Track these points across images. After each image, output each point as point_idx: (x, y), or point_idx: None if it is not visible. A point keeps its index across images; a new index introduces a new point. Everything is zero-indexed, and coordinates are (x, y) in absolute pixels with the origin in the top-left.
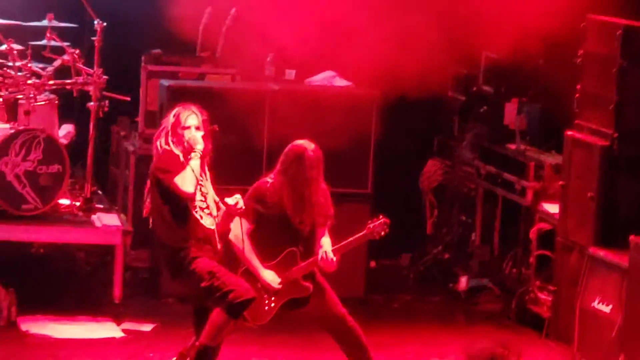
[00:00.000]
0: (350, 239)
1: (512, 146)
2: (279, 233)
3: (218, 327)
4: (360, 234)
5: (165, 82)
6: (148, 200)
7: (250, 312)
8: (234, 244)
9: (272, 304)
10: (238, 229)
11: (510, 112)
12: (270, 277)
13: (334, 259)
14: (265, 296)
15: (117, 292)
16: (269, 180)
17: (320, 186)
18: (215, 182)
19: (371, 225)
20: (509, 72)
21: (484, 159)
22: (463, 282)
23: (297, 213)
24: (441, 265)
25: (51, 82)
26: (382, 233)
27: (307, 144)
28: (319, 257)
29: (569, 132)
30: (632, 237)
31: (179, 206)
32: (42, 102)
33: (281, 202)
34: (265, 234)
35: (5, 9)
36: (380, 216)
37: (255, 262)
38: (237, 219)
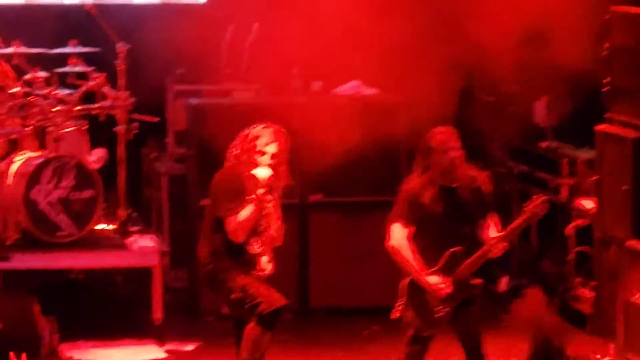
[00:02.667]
0: (513, 224)
1: (544, 144)
2: (438, 234)
3: (254, 341)
4: (522, 217)
5: (192, 101)
6: None
7: (422, 322)
8: (394, 253)
9: (443, 310)
10: (398, 235)
11: (540, 110)
12: (435, 281)
13: (506, 246)
14: (434, 303)
15: (158, 313)
16: (414, 179)
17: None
18: None
19: (531, 207)
20: (537, 70)
21: (516, 159)
22: (504, 282)
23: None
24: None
25: (78, 108)
26: (543, 212)
27: (434, 130)
28: (488, 248)
29: (600, 127)
30: None
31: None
32: (71, 129)
33: (433, 199)
34: (423, 237)
35: (28, 38)
36: (540, 195)
37: (418, 269)
38: (396, 225)
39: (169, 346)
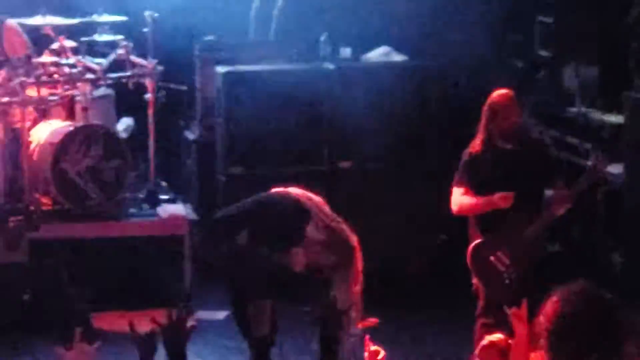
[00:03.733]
0: (578, 184)
1: (573, 109)
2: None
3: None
4: (585, 176)
5: (221, 69)
6: None
7: (491, 290)
8: (462, 214)
9: (511, 276)
10: (458, 199)
11: (569, 76)
12: (500, 196)
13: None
14: (501, 269)
15: (188, 281)
16: (476, 143)
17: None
18: (276, 165)
19: (593, 164)
20: (565, 36)
21: (546, 124)
22: None
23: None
24: None
25: (106, 76)
26: (604, 168)
27: (497, 93)
28: (556, 207)
29: (628, 92)
30: None
31: None
32: (99, 98)
33: (495, 162)
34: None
35: (54, 7)
36: (598, 153)
37: (483, 199)
38: (456, 190)
39: (200, 314)
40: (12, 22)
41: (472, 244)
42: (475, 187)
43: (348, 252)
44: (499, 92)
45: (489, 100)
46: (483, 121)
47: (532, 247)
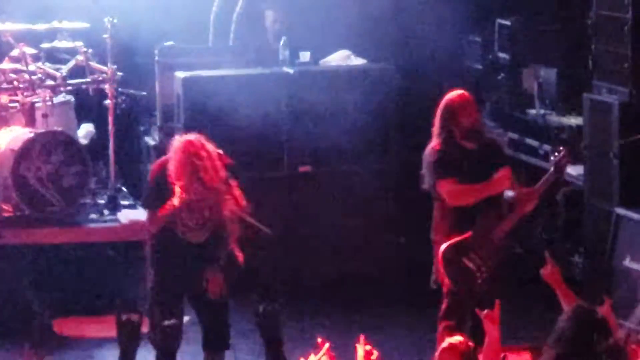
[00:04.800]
0: (544, 179)
1: (532, 111)
2: None
3: None
4: (550, 172)
5: (181, 74)
6: None
7: (464, 289)
8: (457, 198)
9: (483, 276)
10: (449, 187)
11: (528, 78)
12: (500, 176)
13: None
14: (475, 268)
15: (148, 286)
16: (436, 142)
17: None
18: (235, 169)
19: (557, 159)
20: (524, 38)
21: (505, 126)
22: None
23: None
24: None
25: (66, 83)
26: (568, 163)
27: (455, 94)
28: (523, 205)
29: (587, 94)
30: None
31: None
32: (59, 104)
33: (457, 161)
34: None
35: (14, 13)
36: (563, 148)
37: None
38: (443, 182)
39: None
40: None
41: (445, 245)
42: (453, 175)
43: None
44: (456, 92)
45: (445, 100)
46: (440, 121)
47: (501, 247)
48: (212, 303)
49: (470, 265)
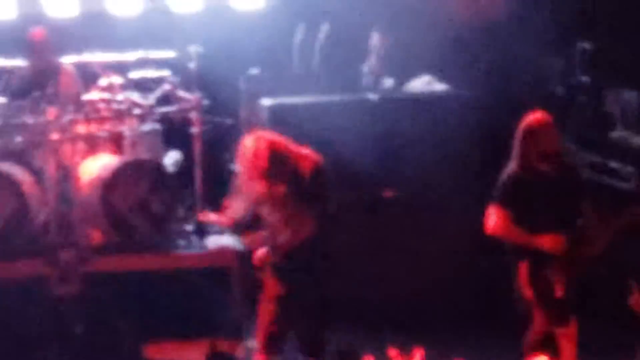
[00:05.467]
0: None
1: (615, 133)
2: (538, 218)
3: None
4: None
5: (267, 101)
6: None
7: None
8: (497, 234)
9: (561, 290)
10: (497, 218)
11: (610, 101)
12: (551, 240)
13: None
14: (553, 283)
15: (238, 312)
16: (513, 165)
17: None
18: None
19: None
20: (605, 61)
21: (587, 149)
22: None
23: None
24: None
25: (153, 111)
26: None
27: (534, 115)
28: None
29: None
30: None
31: None
32: (146, 133)
33: (533, 184)
34: (523, 221)
35: (104, 43)
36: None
37: (527, 236)
38: (494, 209)
39: (250, 344)
40: (68, 65)
41: (528, 263)
42: (516, 210)
43: None
44: (535, 116)
45: (524, 123)
46: (519, 144)
47: (581, 268)
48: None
49: (555, 283)
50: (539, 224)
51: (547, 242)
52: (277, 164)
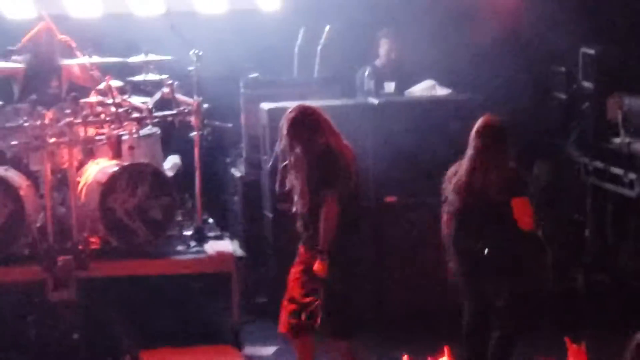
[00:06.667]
0: None
1: (617, 140)
2: None
3: None
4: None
5: (266, 106)
6: None
7: None
8: None
9: None
10: None
11: (612, 107)
12: None
13: None
14: None
15: (236, 318)
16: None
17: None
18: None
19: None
20: (608, 67)
21: (590, 155)
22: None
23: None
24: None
25: (152, 115)
26: None
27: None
28: None
29: None
30: None
31: None
32: (145, 137)
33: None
34: None
35: (101, 47)
36: None
37: None
38: None
39: (248, 350)
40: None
41: None
42: None
43: None
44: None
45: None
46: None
47: None
48: None
49: None
50: None
51: None
52: (302, 128)
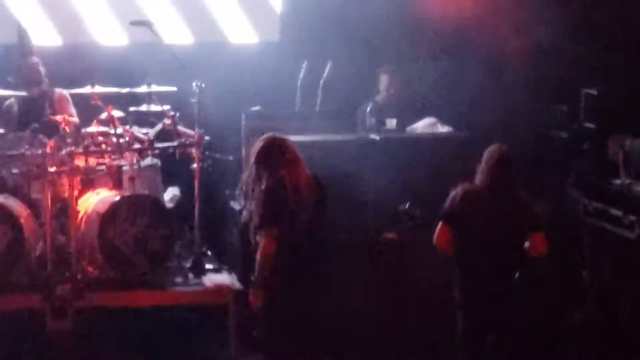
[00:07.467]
0: None
1: (617, 181)
2: None
3: None
4: None
5: None
6: None
7: None
8: None
9: None
10: None
11: (613, 147)
12: None
13: None
14: None
15: (232, 351)
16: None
17: None
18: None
19: None
20: (610, 108)
21: (589, 195)
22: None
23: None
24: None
25: (153, 146)
26: None
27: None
28: None
29: None
30: None
31: None
32: (146, 167)
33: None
34: None
35: (104, 77)
36: None
37: None
38: None
39: None
40: (63, 91)
41: None
42: None
43: None
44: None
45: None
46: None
47: None
48: None
49: None
50: None
51: None
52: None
